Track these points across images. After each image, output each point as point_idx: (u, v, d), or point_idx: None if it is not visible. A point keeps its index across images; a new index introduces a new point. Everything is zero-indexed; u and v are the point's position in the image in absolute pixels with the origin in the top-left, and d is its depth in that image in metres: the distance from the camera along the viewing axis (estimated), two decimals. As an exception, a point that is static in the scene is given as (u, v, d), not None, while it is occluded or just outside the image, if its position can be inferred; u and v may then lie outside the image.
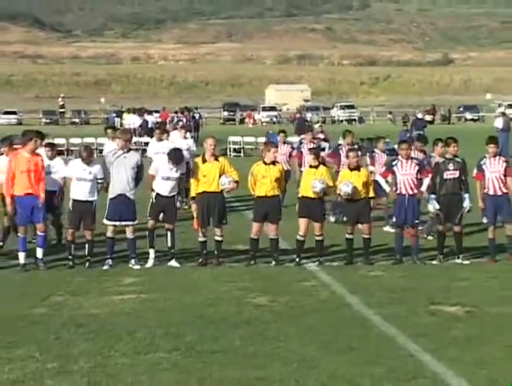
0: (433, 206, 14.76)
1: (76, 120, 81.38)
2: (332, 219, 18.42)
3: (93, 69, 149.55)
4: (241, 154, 42.36)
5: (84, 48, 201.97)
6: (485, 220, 14.91)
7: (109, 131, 18.64)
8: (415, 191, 14.66)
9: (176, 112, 53.97)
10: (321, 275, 13.60)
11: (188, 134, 23.37)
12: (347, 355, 9.06)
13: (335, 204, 18.07)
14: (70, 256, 14.25)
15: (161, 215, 14.66)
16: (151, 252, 14.46)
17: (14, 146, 15.50)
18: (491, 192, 14.72)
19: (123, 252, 14.72)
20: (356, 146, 18.72)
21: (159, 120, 52.41)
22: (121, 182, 14.27)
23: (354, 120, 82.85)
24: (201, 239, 14.54)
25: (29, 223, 14.27)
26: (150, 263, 14.38)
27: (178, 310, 11.24)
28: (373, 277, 13.49)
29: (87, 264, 14.24)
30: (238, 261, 14.72)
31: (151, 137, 26.64)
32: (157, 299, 11.88)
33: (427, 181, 14.84)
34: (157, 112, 63.42)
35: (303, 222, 14.48)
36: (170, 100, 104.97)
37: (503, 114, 44.55)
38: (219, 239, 14.51)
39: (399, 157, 14.99)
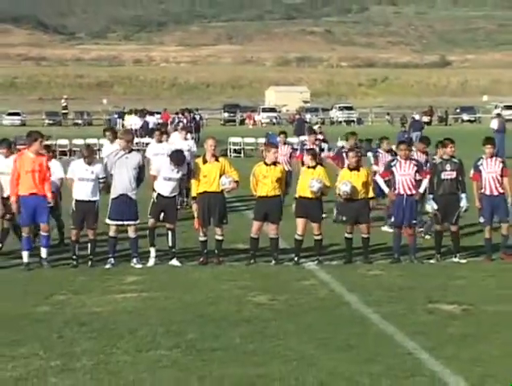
0: (431, 206, 14.76)
1: (79, 121, 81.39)
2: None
3: (96, 71, 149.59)
4: (242, 155, 42.37)
5: (87, 50, 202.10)
6: (481, 220, 14.91)
7: (108, 133, 18.57)
8: (413, 192, 14.66)
9: (177, 114, 53.95)
10: (320, 274, 13.60)
11: (189, 135, 23.33)
12: (346, 353, 9.05)
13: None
14: (74, 256, 14.24)
15: (161, 214, 14.64)
16: (152, 250, 14.46)
17: (18, 147, 15.51)
18: (487, 192, 14.73)
19: (125, 251, 14.72)
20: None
21: (161, 121, 52.42)
22: (123, 183, 14.27)
23: (353, 121, 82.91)
24: (202, 238, 14.53)
25: (33, 223, 14.23)
26: (151, 262, 14.38)
27: (179, 308, 11.24)
28: (372, 275, 13.48)
29: (90, 263, 14.24)
30: (238, 260, 14.71)
31: (152, 138, 26.60)
32: (158, 298, 11.87)
33: (425, 182, 14.84)
34: (158, 113, 63.48)
35: (300, 222, 14.48)
36: (171, 101, 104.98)
37: (498, 115, 44.62)
38: (219, 238, 14.50)
39: (398, 157, 15.01)
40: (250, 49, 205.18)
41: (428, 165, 15.97)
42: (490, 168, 14.76)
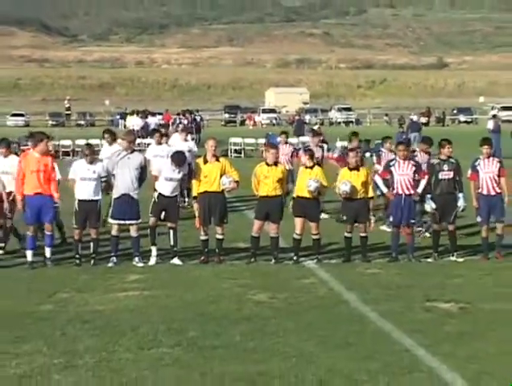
0: (430, 205, 14.77)
1: (82, 122, 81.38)
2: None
3: (98, 73, 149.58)
4: (242, 155, 42.36)
5: (89, 52, 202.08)
6: (478, 219, 14.92)
7: (107, 135, 18.57)
8: (412, 192, 14.67)
9: (179, 114, 53.96)
10: (319, 272, 13.60)
11: (189, 137, 23.30)
12: (344, 350, 9.06)
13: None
14: (77, 255, 14.25)
15: (162, 213, 14.64)
16: (153, 249, 14.46)
17: (22, 148, 15.54)
18: (485, 192, 14.74)
19: (127, 250, 14.72)
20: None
21: (162, 122, 52.41)
22: (125, 183, 14.28)
23: (351, 122, 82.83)
24: (203, 237, 14.55)
25: (37, 222, 14.23)
26: (152, 260, 14.39)
27: (180, 306, 11.24)
28: (370, 274, 13.48)
29: (92, 261, 14.25)
30: (239, 259, 14.72)
31: (153, 138, 26.54)
32: (160, 296, 11.87)
33: (423, 182, 14.84)
34: (160, 114, 63.48)
35: (298, 221, 14.49)
36: (173, 102, 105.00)
37: (494, 116, 44.73)
38: (220, 237, 14.52)
39: (397, 157, 15.02)
40: (251, 51, 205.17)
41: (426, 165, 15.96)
42: (488, 168, 14.77)
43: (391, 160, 15.38)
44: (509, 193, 14.95)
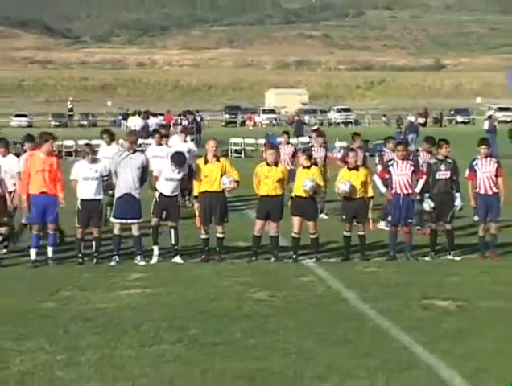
0: (428, 204, 14.76)
1: (84, 122, 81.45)
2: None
3: (100, 74, 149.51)
4: (242, 155, 42.34)
5: (91, 54, 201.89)
6: (476, 218, 14.91)
7: (105, 136, 18.60)
8: (410, 191, 14.67)
9: (180, 115, 53.95)
10: (318, 271, 13.59)
11: (188, 137, 23.23)
12: (343, 348, 9.05)
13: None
14: (80, 254, 14.24)
15: (164, 213, 14.65)
16: (155, 248, 14.46)
17: (24, 148, 15.55)
18: (482, 191, 14.73)
19: (129, 249, 14.72)
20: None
21: (164, 122, 52.39)
22: (127, 182, 14.29)
23: (350, 122, 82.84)
24: (203, 236, 14.54)
25: (42, 221, 14.22)
26: (154, 259, 14.38)
27: (181, 304, 11.24)
28: (369, 272, 13.48)
29: (94, 260, 14.24)
30: (239, 257, 14.72)
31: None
32: (161, 294, 11.87)
33: (421, 182, 14.85)
34: (161, 114, 63.46)
35: (296, 220, 14.49)
36: (174, 103, 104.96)
37: (489, 117, 44.82)
38: (220, 236, 14.51)
39: (395, 158, 15.02)
40: (251, 52, 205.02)
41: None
42: (485, 168, 14.77)
43: (390, 160, 15.39)
44: (506, 192, 14.94)
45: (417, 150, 17.63)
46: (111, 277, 13.07)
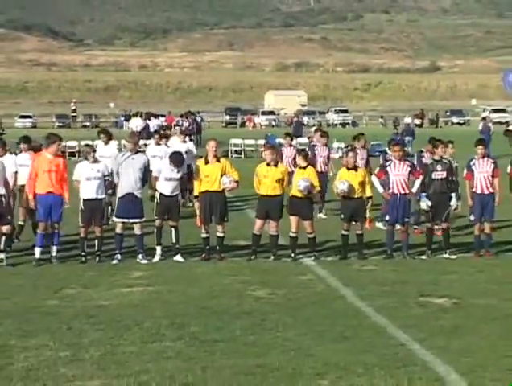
0: (425, 203, 14.75)
1: (87, 123, 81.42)
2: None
3: (103, 76, 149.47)
4: (242, 156, 42.32)
5: (94, 56, 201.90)
6: (471, 218, 14.91)
7: (102, 135, 18.74)
8: (407, 191, 14.66)
9: (181, 116, 53.90)
10: (317, 269, 13.59)
11: (187, 138, 23.17)
12: (341, 344, 9.05)
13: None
14: (83, 253, 14.24)
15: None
16: (158, 248, 14.45)
17: (20, 149, 15.77)
18: (478, 191, 14.73)
19: (131, 247, 14.71)
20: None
21: (165, 124, 52.36)
22: (129, 182, 14.29)
23: (348, 123, 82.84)
24: (204, 235, 14.53)
25: (48, 220, 14.22)
26: (156, 258, 14.38)
27: (182, 301, 11.23)
28: (366, 270, 13.47)
29: (97, 258, 14.23)
30: (239, 256, 14.71)
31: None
32: (163, 291, 11.87)
33: (418, 182, 14.85)
34: (163, 116, 63.43)
35: (293, 219, 14.48)
36: (175, 104, 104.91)
37: (483, 119, 44.93)
38: (221, 235, 14.50)
39: (392, 158, 15.02)
40: (251, 55, 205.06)
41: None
42: (482, 168, 14.77)
43: (387, 161, 15.38)
44: (500, 193, 14.94)
45: (421, 151, 17.60)
46: (113, 275, 13.06)
